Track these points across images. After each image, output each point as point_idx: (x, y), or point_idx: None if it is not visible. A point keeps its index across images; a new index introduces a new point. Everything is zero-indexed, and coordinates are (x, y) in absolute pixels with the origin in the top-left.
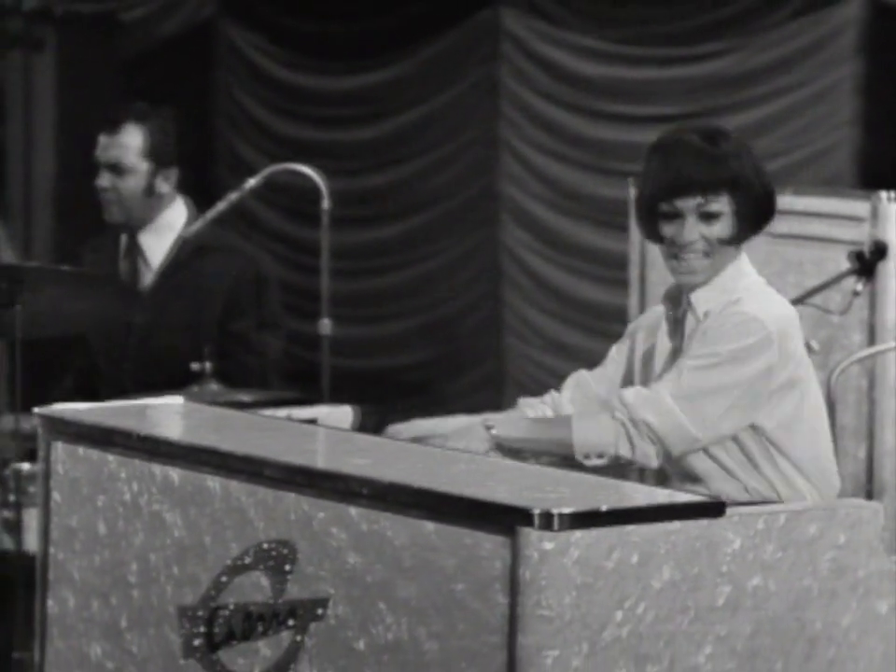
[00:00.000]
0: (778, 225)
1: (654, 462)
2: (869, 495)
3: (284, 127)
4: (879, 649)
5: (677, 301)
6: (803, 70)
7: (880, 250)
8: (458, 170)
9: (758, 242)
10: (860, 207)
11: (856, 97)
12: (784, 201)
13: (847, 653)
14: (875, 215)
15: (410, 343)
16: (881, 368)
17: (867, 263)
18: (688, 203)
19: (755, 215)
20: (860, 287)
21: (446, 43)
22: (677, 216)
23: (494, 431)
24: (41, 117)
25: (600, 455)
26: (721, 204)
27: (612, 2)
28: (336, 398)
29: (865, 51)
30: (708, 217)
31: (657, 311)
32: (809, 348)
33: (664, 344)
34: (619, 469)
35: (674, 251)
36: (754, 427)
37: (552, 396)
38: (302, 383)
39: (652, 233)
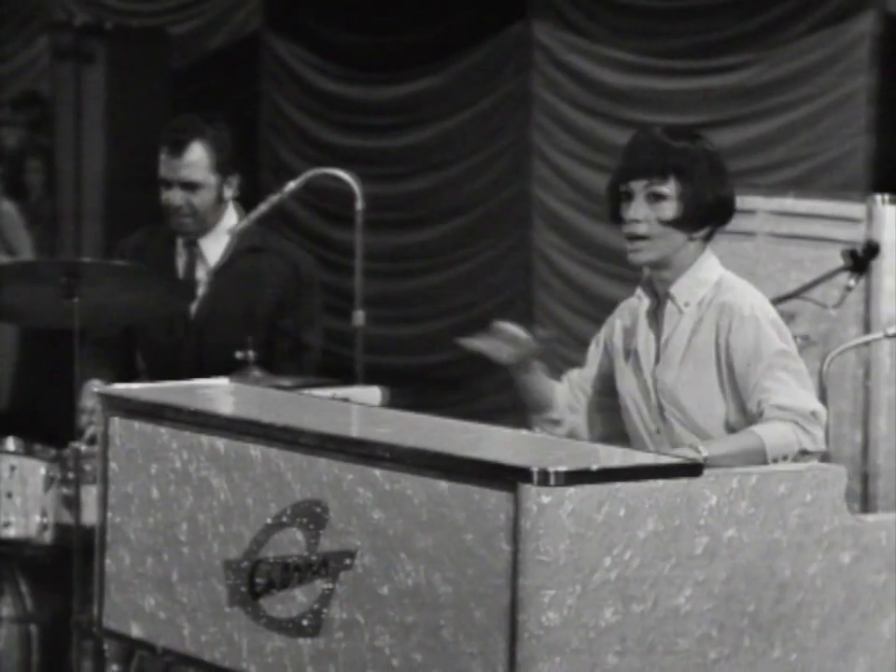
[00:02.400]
0: (782, 226)
1: (824, 445)
2: (865, 476)
3: (326, 134)
4: (842, 595)
5: (651, 293)
6: (820, 81)
7: (872, 249)
8: (492, 176)
9: (762, 241)
10: (856, 209)
11: (870, 107)
12: (787, 203)
13: (813, 598)
14: (870, 216)
15: (445, 341)
16: (875, 358)
17: (859, 261)
18: (638, 184)
19: (703, 205)
20: (852, 282)
21: (481, 55)
22: (630, 196)
23: (704, 453)
24: (91, 127)
25: (785, 457)
26: (668, 188)
27: (640, 16)
28: None
29: (879, 63)
30: (656, 197)
31: (629, 304)
32: (807, 339)
33: (644, 336)
34: None
35: (625, 230)
36: (743, 411)
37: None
38: (338, 376)
39: (615, 216)
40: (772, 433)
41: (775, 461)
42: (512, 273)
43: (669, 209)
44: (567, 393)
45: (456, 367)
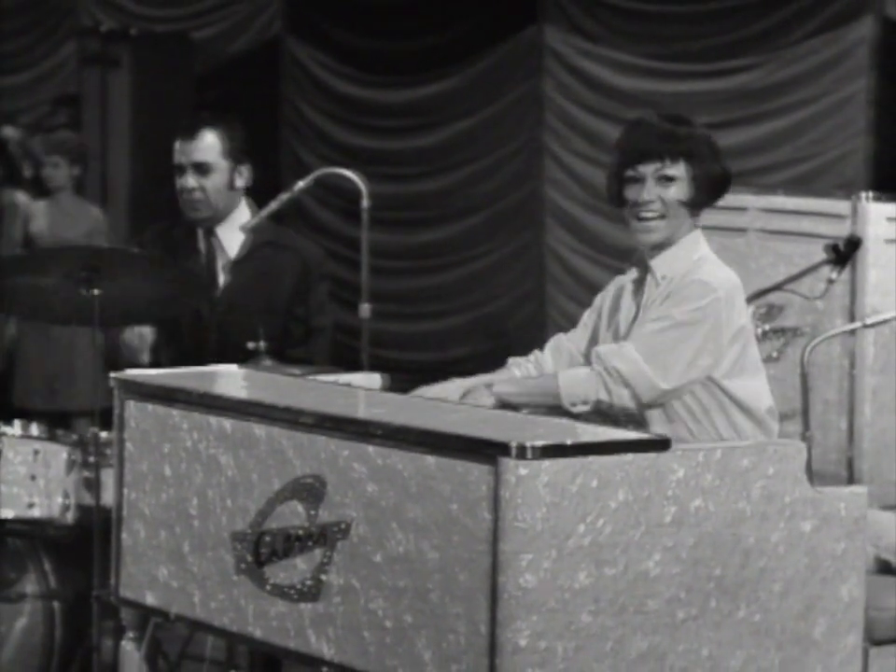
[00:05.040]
0: (771, 222)
1: (629, 403)
2: (850, 461)
3: (344, 136)
4: (803, 561)
5: (641, 266)
6: (821, 84)
7: (853, 243)
8: (505, 176)
9: (753, 237)
10: (842, 206)
11: (869, 108)
12: (776, 201)
13: (776, 564)
14: (854, 212)
15: (460, 337)
16: (860, 348)
17: (841, 255)
18: (648, 168)
19: (709, 184)
20: (834, 275)
21: (493, 59)
22: (638, 180)
23: (494, 389)
24: (117, 129)
25: (584, 402)
26: (678, 170)
27: (647, 20)
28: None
29: (878, 66)
30: (666, 179)
31: (622, 278)
32: (796, 331)
33: (627, 302)
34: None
35: (635, 212)
36: (708, 378)
37: (535, 355)
38: (348, 368)
39: (618, 198)
40: (573, 380)
41: (573, 405)
42: (525, 271)
43: (680, 190)
44: (551, 364)
45: (471, 362)
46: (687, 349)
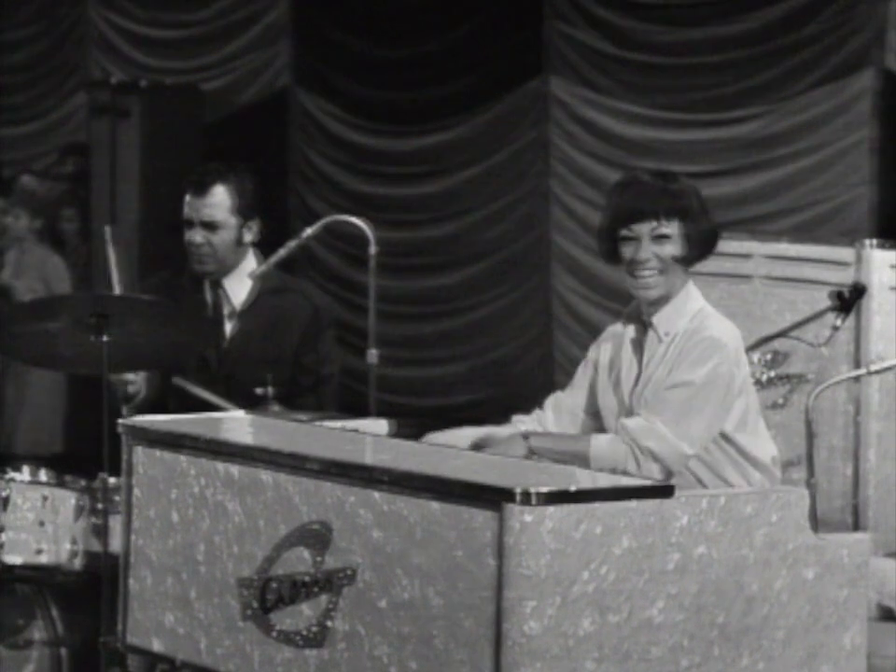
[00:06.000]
0: (776, 269)
1: (658, 476)
2: (855, 508)
3: (352, 183)
4: (806, 608)
5: (637, 320)
6: (824, 133)
7: (858, 290)
8: (512, 222)
9: (759, 284)
10: (846, 253)
11: (872, 157)
12: (781, 248)
13: (778, 611)
14: (858, 259)
15: (467, 382)
16: (865, 394)
17: (846, 302)
18: (643, 228)
19: (701, 240)
20: (839, 322)
21: (501, 108)
22: (633, 239)
23: (531, 442)
24: (126, 178)
25: (612, 470)
26: (672, 228)
27: (650, 71)
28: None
29: (879, 116)
30: (661, 238)
31: (615, 329)
32: (801, 378)
33: (627, 358)
34: None
35: (632, 269)
36: (719, 433)
37: (537, 413)
38: (354, 412)
39: (612, 256)
40: (603, 448)
41: (600, 469)
42: (532, 317)
43: (674, 247)
44: (552, 422)
45: (478, 408)
46: (707, 412)
